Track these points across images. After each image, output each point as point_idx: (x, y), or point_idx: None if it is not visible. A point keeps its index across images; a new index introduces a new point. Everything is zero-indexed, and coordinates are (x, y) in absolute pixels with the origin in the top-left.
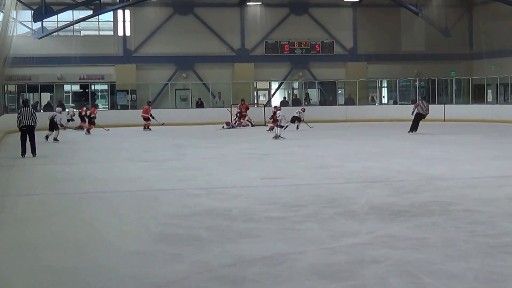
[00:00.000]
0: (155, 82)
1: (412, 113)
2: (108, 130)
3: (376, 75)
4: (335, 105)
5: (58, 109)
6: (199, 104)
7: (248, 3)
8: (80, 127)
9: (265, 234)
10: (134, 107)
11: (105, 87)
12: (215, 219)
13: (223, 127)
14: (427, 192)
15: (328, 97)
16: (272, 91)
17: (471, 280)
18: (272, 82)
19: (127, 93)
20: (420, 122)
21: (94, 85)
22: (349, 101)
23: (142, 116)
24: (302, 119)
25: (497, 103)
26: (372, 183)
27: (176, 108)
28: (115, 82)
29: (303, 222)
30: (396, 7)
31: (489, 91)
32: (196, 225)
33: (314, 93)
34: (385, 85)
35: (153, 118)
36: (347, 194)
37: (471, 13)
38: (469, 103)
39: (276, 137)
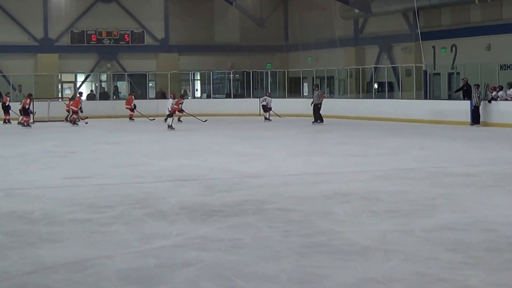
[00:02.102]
0: None
1: (311, 104)
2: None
3: (189, 67)
4: (146, 98)
5: None
6: None
7: None
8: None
9: (69, 238)
10: None
11: None
12: (14, 223)
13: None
14: (241, 191)
15: (137, 90)
16: (78, 84)
17: (284, 282)
18: (78, 74)
19: None
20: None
21: None
22: (161, 95)
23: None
24: (270, 107)
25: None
26: (184, 181)
27: None
28: None
29: (110, 224)
30: None
31: (305, 84)
32: None
33: (123, 86)
34: (198, 77)
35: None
36: (157, 193)
37: (287, 4)
38: (285, 97)
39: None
